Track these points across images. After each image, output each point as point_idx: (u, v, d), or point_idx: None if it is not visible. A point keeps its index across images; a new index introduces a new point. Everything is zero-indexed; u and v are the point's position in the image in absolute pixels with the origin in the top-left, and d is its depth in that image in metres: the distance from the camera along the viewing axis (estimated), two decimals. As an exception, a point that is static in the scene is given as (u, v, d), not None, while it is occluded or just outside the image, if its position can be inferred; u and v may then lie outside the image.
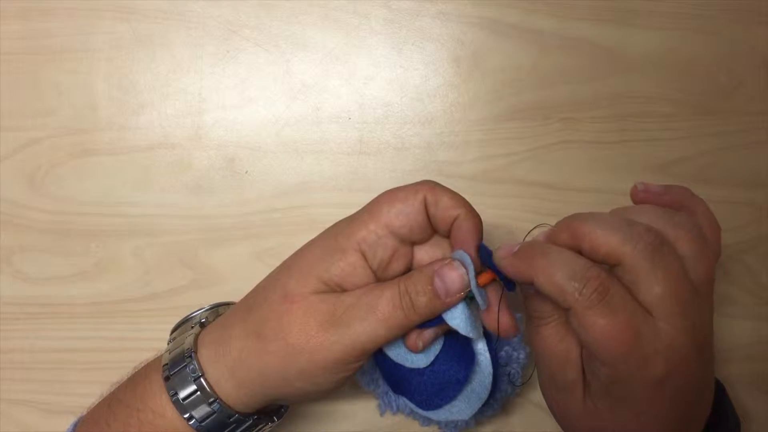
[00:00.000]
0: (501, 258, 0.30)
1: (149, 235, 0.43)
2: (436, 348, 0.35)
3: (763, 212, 0.44)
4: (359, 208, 0.32)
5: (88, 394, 0.42)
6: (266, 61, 0.44)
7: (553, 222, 0.43)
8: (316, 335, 0.30)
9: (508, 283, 0.30)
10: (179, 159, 0.44)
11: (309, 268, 0.31)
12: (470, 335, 0.31)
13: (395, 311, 0.30)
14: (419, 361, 0.35)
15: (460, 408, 0.36)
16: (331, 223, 0.44)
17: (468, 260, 0.30)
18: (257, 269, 0.43)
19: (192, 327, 0.34)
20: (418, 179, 0.43)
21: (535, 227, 0.34)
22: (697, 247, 0.28)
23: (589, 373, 0.29)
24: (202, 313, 0.37)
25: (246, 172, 0.44)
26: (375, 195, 0.43)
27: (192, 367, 0.31)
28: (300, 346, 0.30)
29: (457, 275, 0.30)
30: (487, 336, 0.36)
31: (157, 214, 0.43)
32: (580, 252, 0.28)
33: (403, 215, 0.31)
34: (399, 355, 0.34)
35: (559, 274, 0.28)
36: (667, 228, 0.28)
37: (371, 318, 0.30)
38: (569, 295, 0.27)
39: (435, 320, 0.32)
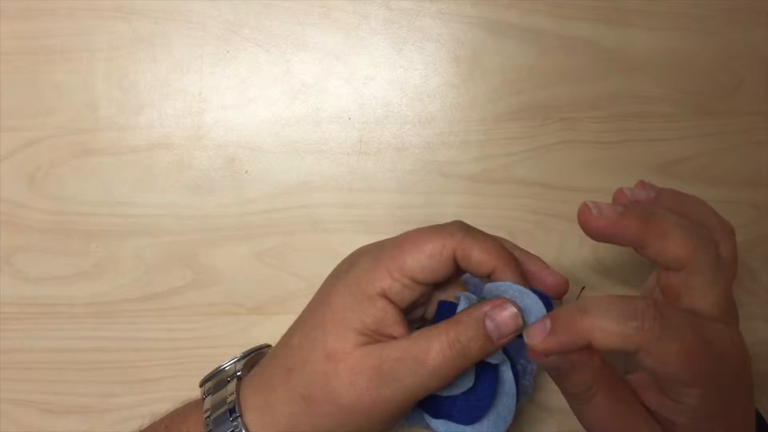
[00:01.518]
0: (538, 342, 0.28)
1: (149, 235, 0.43)
2: (470, 369, 0.35)
3: (763, 212, 0.44)
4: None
5: (88, 394, 0.43)
6: (266, 61, 0.44)
7: (553, 222, 0.43)
8: (368, 393, 0.29)
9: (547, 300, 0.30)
10: (179, 159, 0.44)
11: (342, 320, 0.30)
12: (497, 360, 0.32)
13: (446, 362, 0.29)
14: (457, 389, 0.34)
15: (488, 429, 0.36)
16: (331, 224, 0.44)
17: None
18: (257, 269, 0.43)
19: (228, 380, 0.33)
20: (418, 179, 0.44)
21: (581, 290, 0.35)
22: (732, 248, 0.30)
23: (673, 413, 0.28)
24: (235, 363, 0.34)
25: (246, 172, 0.44)
26: (375, 195, 0.44)
27: (239, 430, 0.30)
28: (353, 406, 0.29)
29: (509, 315, 0.29)
30: (509, 357, 0.36)
31: (157, 214, 0.43)
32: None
33: (428, 271, 0.30)
34: (445, 389, 0.34)
35: (613, 323, 0.27)
36: (713, 231, 0.30)
37: (422, 371, 0.29)
38: (634, 336, 0.27)
39: None
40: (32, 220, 0.43)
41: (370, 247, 0.32)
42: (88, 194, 0.43)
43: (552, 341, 0.28)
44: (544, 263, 0.33)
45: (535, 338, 0.28)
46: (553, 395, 0.43)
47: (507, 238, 0.43)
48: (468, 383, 0.34)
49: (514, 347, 0.38)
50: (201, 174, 0.44)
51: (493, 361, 0.32)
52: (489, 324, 0.29)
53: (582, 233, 0.43)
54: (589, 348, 0.28)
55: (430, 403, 0.36)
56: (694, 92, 0.44)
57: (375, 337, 0.30)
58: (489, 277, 0.31)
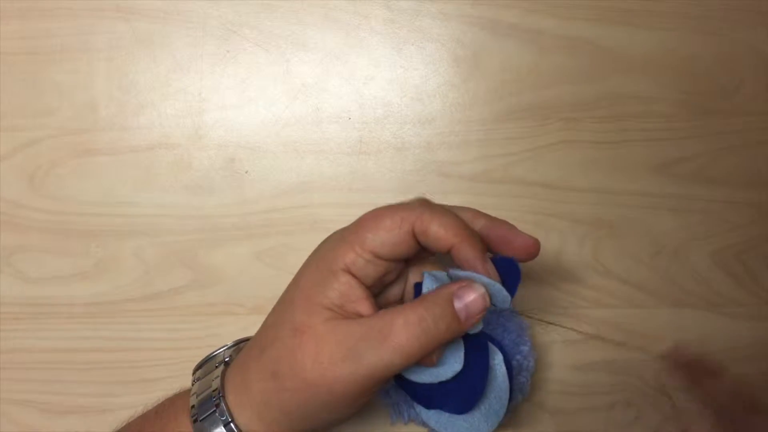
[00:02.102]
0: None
1: (149, 235, 0.43)
2: (457, 352, 0.35)
3: (763, 212, 0.44)
4: (353, 219, 0.32)
5: (88, 394, 0.43)
6: (266, 61, 0.44)
7: (553, 222, 0.43)
8: (331, 368, 0.29)
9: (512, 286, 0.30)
10: (179, 159, 0.44)
11: (309, 296, 0.30)
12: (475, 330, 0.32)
13: (411, 338, 0.28)
14: (446, 372, 0.34)
15: (479, 426, 0.36)
16: (331, 223, 0.44)
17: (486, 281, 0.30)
18: (257, 269, 0.43)
19: (216, 366, 0.33)
20: (418, 179, 0.44)
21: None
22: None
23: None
24: (225, 351, 0.35)
25: (246, 172, 0.44)
26: (375, 195, 0.44)
27: (221, 411, 0.30)
28: (316, 381, 0.29)
29: (477, 296, 0.29)
30: (503, 350, 0.36)
31: (157, 214, 0.43)
32: None
33: (389, 245, 0.30)
34: (422, 376, 0.34)
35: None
36: None
37: (385, 347, 0.28)
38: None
39: None
40: (32, 220, 0.43)
41: (339, 230, 0.33)
42: (88, 194, 0.43)
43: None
44: (512, 226, 0.33)
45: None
46: (551, 395, 0.43)
47: (507, 238, 0.43)
48: (456, 366, 0.34)
49: (509, 343, 0.38)
50: (201, 174, 0.44)
51: (472, 331, 0.32)
52: (457, 303, 0.29)
53: (582, 233, 0.44)
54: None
55: (424, 394, 0.36)
56: (694, 92, 0.44)
57: (341, 312, 0.30)
58: (454, 259, 0.31)
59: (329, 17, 0.44)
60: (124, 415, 0.34)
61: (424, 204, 0.31)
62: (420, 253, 0.32)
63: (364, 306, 0.30)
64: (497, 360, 0.36)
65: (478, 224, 0.32)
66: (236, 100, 0.44)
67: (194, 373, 0.35)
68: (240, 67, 0.44)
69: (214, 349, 0.35)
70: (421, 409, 0.36)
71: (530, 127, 0.44)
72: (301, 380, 0.29)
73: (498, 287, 0.31)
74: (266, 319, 0.32)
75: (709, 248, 0.44)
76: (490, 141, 0.44)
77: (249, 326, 0.43)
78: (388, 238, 0.30)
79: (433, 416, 0.36)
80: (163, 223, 0.43)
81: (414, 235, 0.30)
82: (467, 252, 0.30)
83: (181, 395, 0.33)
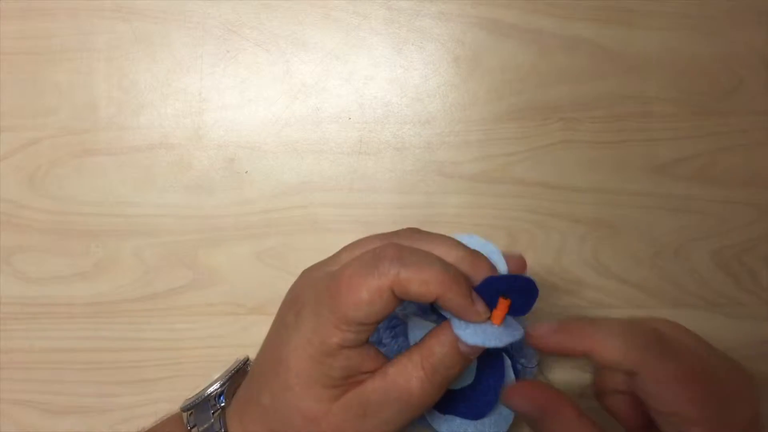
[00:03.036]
0: (542, 337, 0.29)
1: (149, 235, 0.43)
2: (472, 364, 0.35)
3: (763, 212, 0.44)
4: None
5: (88, 394, 0.43)
6: (266, 61, 0.44)
7: (553, 222, 0.43)
8: None
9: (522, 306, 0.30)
10: (179, 159, 0.44)
11: (310, 382, 0.29)
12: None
13: (429, 394, 0.28)
14: (455, 386, 0.35)
15: (490, 431, 0.36)
16: (331, 223, 0.44)
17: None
18: (257, 269, 0.43)
19: (212, 412, 0.32)
20: (418, 179, 0.44)
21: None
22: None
23: None
24: (218, 389, 0.34)
25: (246, 172, 0.44)
26: (375, 195, 0.44)
27: None
28: None
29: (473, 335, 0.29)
30: (508, 354, 0.36)
31: (157, 214, 0.43)
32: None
33: (374, 314, 0.28)
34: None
35: (615, 338, 0.27)
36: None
37: (407, 408, 0.28)
38: (633, 353, 0.27)
39: None
40: (32, 220, 0.43)
41: (309, 291, 0.30)
42: (88, 194, 0.43)
43: (551, 336, 0.29)
44: (486, 262, 0.31)
45: (538, 329, 0.29)
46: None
47: (507, 238, 0.43)
48: (468, 379, 0.34)
49: (515, 346, 0.38)
50: (201, 174, 0.44)
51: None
52: (462, 347, 0.29)
53: (582, 233, 0.44)
54: (567, 402, 0.29)
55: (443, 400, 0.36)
56: (694, 92, 0.44)
57: (348, 383, 0.29)
58: (442, 308, 0.29)
59: (329, 17, 0.44)
60: (124, 415, 0.34)
61: (397, 260, 0.28)
62: None
63: (371, 364, 0.29)
64: (507, 364, 0.36)
65: (452, 256, 0.30)
66: (236, 100, 0.44)
67: (185, 410, 0.34)
68: (240, 67, 0.44)
69: (205, 387, 0.34)
70: (432, 413, 0.36)
71: (530, 127, 0.44)
72: None
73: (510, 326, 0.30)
74: (261, 397, 0.30)
75: (709, 248, 0.44)
76: (490, 141, 0.44)
77: (249, 326, 0.43)
78: (370, 309, 0.28)
79: (444, 421, 0.36)
80: (163, 223, 0.43)
81: (395, 295, 0.28)
82: (453, 302, 0.28)
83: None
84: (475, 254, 0.30)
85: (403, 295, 0.28)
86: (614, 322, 0.29)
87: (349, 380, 0.29)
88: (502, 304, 0.29)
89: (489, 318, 0.29)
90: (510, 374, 0.36)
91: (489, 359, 0.34)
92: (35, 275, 0.43)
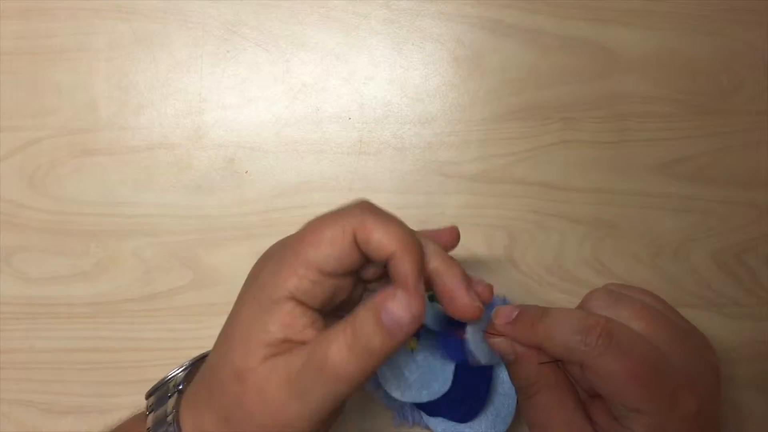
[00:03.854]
0: (500, 325, 0.30)
1: (149, 235, 0.43)
2: (444, 373, 0.35)
3: (763, 212, 0.44)
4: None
5: (88, 394, 0.43)
6: (266, 61, 0.44)
7: (553, 222, 0.43)
8: (279, 410, 0.27)
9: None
10: (179, 159, 0.44)
11: (247, 333, 0.27)
12: (486, 362, 0.31)
13: (349, 365, 0.26)
14: (431, 395, 0.35)
15: (486, 429, 0.36)
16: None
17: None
18: (257, 269, 0.43)
19: (169, 396, 0.31)
20: (419, 179, 0.44)
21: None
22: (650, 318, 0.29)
23: None
24: (178, 375, 0.32)
25: (246, 172, 0.44)
26: (375, 195, 0.44)
27: None
28: (269, 425, 0.27)
29: (402, 307, 0.26)
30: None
31: (157, 214, 0.43)
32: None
33: (333, 259, 0.27)
34: (406, 395, 0.35)
35: (559, 333, 0.28)
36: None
37: (325, 377, 0.26)
38: (576, 350, 0.27)
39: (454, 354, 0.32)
40: (32, 220, 0.43)
41: (276, 246, 0.30)
42: (88, 194, 0.43)
43: (509, 329, 0.29)
44: (463, 280, 0.29)
45: (499, 319, 0.30)
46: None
47: (507, 238, 0.43)
48: (443, 388, 0.34)
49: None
50: (201, 174, 0.44)
51: (483, 362, 0.32)
52: (385, 317, 0.26)
53: (582, 233, 0.44)
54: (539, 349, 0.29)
55: (425, 403, 0.36)
56: (694, 92, 0.44)
57: (285, 346, 0.27)
58: (390, 271, 0.28)
59: (329, 17, 0.44)
60: (124, 415, 0.34)
61: (366, 209, 0.28)
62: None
63: (310, 334, 0.28)
64: (503, 366, 0.36)
65: (432, 264, 0.29)
66: (236, 100, 0.44)
67: (148, 397, 0.33)
68: (240, 67, 0.44)
69: (168, 373, 0.33)
70: (424, 415, 0.37)
71: (530, 127, 0.44)
72: (255, 426, 0.27)
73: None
74: (210, 357, 0.30)
75: (709, 248, 0.44)
76: (490, 141, 0.44)
77: (249, 326, 0.43)
78: (331, 251, 0.27)
79: (439, 423, 0.36)
80: (163, 223, 0.43)
81: (357, 245, 0.27)
82: (405, 265, 0.27)
83: (137, 426, 0.31)
84: (451, 271, 0.29)
85: (364, 242, 0.27)
86: (563, 316, 0.29)
87: (284, 344, 0.27)
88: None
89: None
90: (510, 387, 0.36)
91: (473, 366, 0.35)
92: (35, 275, 0.43)
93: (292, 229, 0.43)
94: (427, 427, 0.39)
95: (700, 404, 0.28)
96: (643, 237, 0.44)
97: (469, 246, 0.43)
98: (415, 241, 0.28)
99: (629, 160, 0.44)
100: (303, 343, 0.27)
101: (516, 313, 0.30)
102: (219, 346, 0.29)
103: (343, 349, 0.26)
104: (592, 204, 0.44)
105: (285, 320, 0.27)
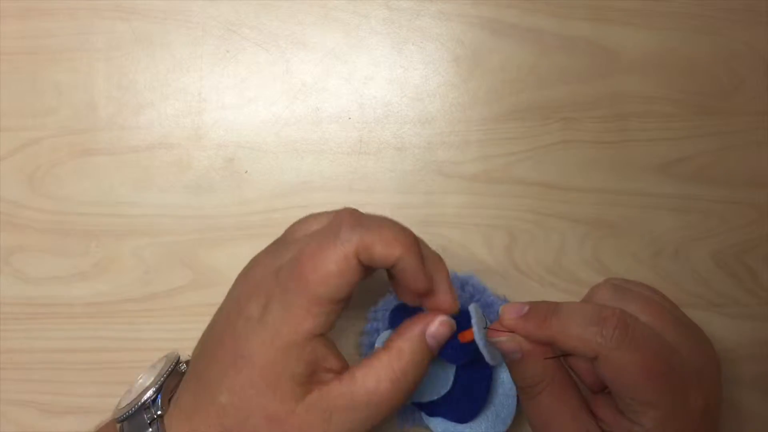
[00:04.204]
0: (510, 320, 0.29)
1: (149, 235, 0.43)
2: (445, 375, 0.35)
3: (763, 212, 0.44)
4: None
5: (88, 394, 0.43)
6: (266, 60, 0.44)
7: (553, 222, 0.43)
8: None
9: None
10: (179, 159, 0.44)
11: (275, 378, 0.27)
12: (492, 362, 0.31)
13: (398, 397, 0.28)
14: (431, 395, 0.35)
15: (486, 430, 0.36)
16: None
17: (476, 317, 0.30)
18: (257, 269, 0.43)
19: (149, 422, 0.30)
20: (418, 179, 0.44)
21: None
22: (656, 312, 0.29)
23: (622, 431, 0.28)
24: (152, 395, 0.31)
25: (246, 172, 0.44)
26: (375, 195, 0.44)
27: None
28: None
29: (446, 329, 0.29)
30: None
31: (157, 214, 0.43)
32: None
33: (344, 286, 0.27)
34: (418, 396, 0.35)
35: (574, 325, 0.28)
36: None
37: (374, 411, 0.28)
38: (592, 342, 0.27)
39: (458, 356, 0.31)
40: (32, 220, 0.43)
41: (271, 281, 0.29)
42: (88, 194, 0.43)
43: (520, 324, 0.29)
44: (440, 276, 0.30)
45: (509, 314, 0.29)
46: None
47: (507, 238, 0.43)
48: (443, 388, 0.35)
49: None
50: (201, 174, 0.44)
51: (492, 363, 0.32)
52: (430, 340, 0.28)
53: (582, 233, 0.44)
54: (549, 345, 0.29)
55: (425, 403, 0.36)
56: (694, 92, 0.44)
57: (312, 380, 0.28)
58: (395, 272, 0.29)
59: (329, 17, 0.44)
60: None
61: (356, 225, 0.28)
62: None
63: (334, 361, 0.29)
64: (502, 368, 0.36)
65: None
66: (236, 99, 0.44)
67: (120, 422, 0.31)
68: (240, 66, 0.44)
69: (138, 396, 0.32)
70: (424, 415, 0.37)
71: (530, 127, 0.44)
72: None
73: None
74: (218, 397, 0.28)
75: (709, 248, 0.44)
76: (490, 141, 0.44)
77: (249, 326, 0.43)
78: (340, 282, 0.27)
79: (439, 423, 0.36)
80: (163, 223, 0.43)
81: (361, 263, 0.28)
82: (411, 265, 0.28)
83: None
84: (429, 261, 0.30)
85: (368, 259, 0.27)
86: (578, 309, 0.29)
87: (313, 378, 0.28)
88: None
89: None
90: (507, 378, 0.36)
91: (478, 363, 0.35)
92: (35, 275, 0.43)
93: (292, 229, 0.43)
94: (427, 427, 0.39)
95: (707, 400, 0.28)
96: (643, 237, 0.44)
97: (469, 246, 0.43)
98: (412, 236, 0.28)
99: (629, 160, 0.44)
100: (329, 370, 0.28)
101: (527, 308, 0.29)
102: (236, 388, 0.28)
103: (393, 384, 0.27)
104: (592, 204, 0.44)
105: (309, 358, 0.28)
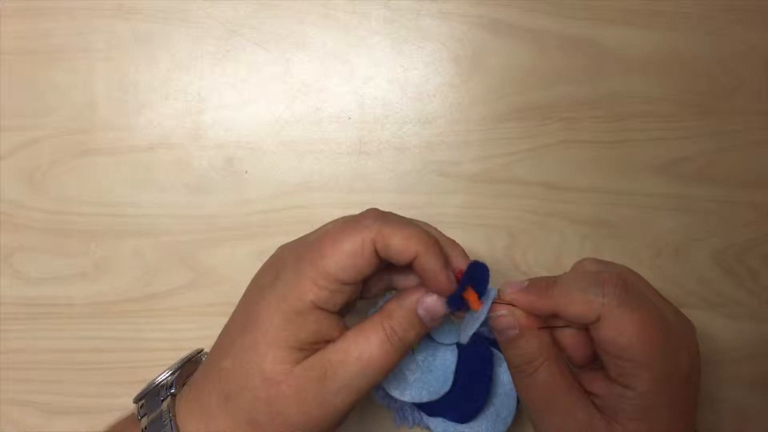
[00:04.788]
0: (511, 294, 0.30)
1: (149, 235, 0.43)
2: (448, 373, 0.35)
3: (763, 212, 0.44)
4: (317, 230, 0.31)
5: (88, 394, 0.43)
6: (266, 60, 0.44)
7: (553, 222, 0.43)
8: (317, 407, 0.28)
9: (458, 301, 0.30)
10: (179, 159, 0.44)
11: (277, 341, 0.28)
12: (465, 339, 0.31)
13: (389, 355, 0.29)
14: (431, 395, 0.35)
15: (486, 430, 0.36)
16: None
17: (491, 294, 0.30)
18: (257, 269, 0.43)
19: (161, 399, 0.31)
20: (418, 179, 0.44)
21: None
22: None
23: (615, 399, 0.28)
24: (168, 378, 0.33)
25: (246, 172, 0.44)
26: (375, 195, 0.44)
27: None
28: (303, 422, 0.28)
29: (439, 306, 0.30)
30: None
31: (157, 214, 0.43)
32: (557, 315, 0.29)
33: (353, 270, 0.28)
34: (413, 395, 0.35)
35: (576, 290, 0.28)
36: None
37: (367, 371, 0.29)
38: (595, 302, 0.28)
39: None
40: (32, 220, 0.43)
41: (289, 253, 0.31)
42: (88, 194, 0.43)
43: (522, 296, 0.29)
44: (460, 248, 0.32)
45: (510, 288, 0.30)
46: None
47: (507, 238, 0.43)
48: (443, 388, 0.35)
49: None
50: (201, 174, 0.44)
51: (446, 342, 0.32)
52: (421, 311, 0.29)
53: (582, 233, 0.44)
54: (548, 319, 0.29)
55: (425, 403, 0.36)
56: (694, 92, 0.44)
57: (314, 347, 0.29)
58: (416, 270, 0.29)
59: (329, 17, 0.44)
60: (123, 416, 0.34)
61: (379, 218, 0.29)
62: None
63: (336, 332, 0.30)
64: (503, 367, 0.36)
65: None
66: (236, 99, 0.44)
67: (137, 401, 0.32)
68: (240, 66, 0.44)
69: (156, 377, 0.33)
70: (424, 415, 0.37)
71: (530, 127, 0.44)
72: (286, 426, 0.28)
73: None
74: (222, 361, 0.30)
75: (709, 248, 0.44)
76: (490, 141, 0.44)
77: (249, 326, 0.43)
78: (351, 263, 0.28)
79: (439, 424, 0.36)
80: (163, 223, 0.43)
81: (376, 253, 0.29)
82: (430, 262, 0.28)
83: (128, 427, 0.31)
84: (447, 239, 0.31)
85: (384, 250, 0.28)
86: (577, 275, 0.30)
87: (315, 346, 0.29)
88: (472, 293, 0.30)
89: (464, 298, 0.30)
90: (508, 378, 0.36)
91: (477, 363, 0.35)
92: (35, 275, 0.43)
93: (292, 229, 0.43)
94: (427, 428, 0.39)
95: (692, 364, 0.29)
96: (643, 237, 0.44)
97: (469, 246, 0.43)
98: (433, 239, 0.29)
99: (629, 160, 0.44)
100: (331, 341, 0.29)
101: (527, 282, 0.30)
102: (237, 351, 0.29)
103: (383, 343, 0.29)
104: (592, 204, 0.44)
105: (313, 327, 0.29)
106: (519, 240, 0.43)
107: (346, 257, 0.28)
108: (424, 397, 0.35)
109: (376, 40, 0.44)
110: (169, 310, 0.43)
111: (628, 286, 0.28)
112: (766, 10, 0.45)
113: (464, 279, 0.30)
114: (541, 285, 0.30)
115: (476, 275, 0.30)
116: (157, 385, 0.32)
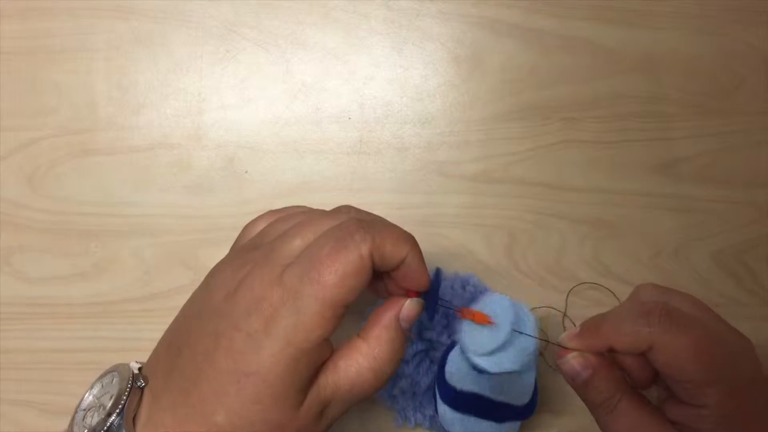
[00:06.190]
0: (569, 342, 0.31)
1: (149, 235, 0.43)
2: (530, 387, 0.36)
3: (763, 212, 0.44)
4: None
5: (88, 394, 0.43)
6: (266, 60, 0.44)
7: (553, 222, 0.43)
8: None
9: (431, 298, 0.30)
10: (179, 159, 0.44)
11: (283, 390, 0.27)
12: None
13: (377, 380, 0.29)
14: (521, 398, 0.35)
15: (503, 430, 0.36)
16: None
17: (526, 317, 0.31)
18: (257, 269, 0.43)
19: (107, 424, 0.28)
20: (418, 179, 0.44)
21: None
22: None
23: (693, 420, 0.29)
24: (115, 420, 0.29)
25: (246, 172, 0.44)
26: (375, 195, 0.44)
27: None
28: None
29: (416, 308, 0.30)
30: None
31: (157, 214, 0.43)
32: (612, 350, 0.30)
33: (359, 288, 0.27)
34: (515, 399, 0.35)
35: (624, 324, 0.29)
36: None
37: (357, 396, 0.29)
38: (642, 333, 0.28)
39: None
40: (32, 220, 0.43)
41: (272, 292, 0.27)
42: (88, 194, 0.43)
43: (579, 342, 0.30)
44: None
45: (567, 337, 0.31)
46: (555, 398, 0.43)
47: (507, 238, 0.43)
48: (526, 398, 0.36)
49: None
50: (201, 174, 0.44)
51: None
52: (404, 324, 0.29)
53: (582, 233, 0.44)
54: (610, 353, 0.30)
55: (466, 401, 0.36)
56: (694, 92, 0.44)
57: (312, 381, 0.28)
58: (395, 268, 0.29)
59: (329, 17, 0.44)
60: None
61: (362, 226, 0.28)
62: None
63: (328, 352, 0.29)
64: (529, 375, 0.36)
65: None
66: (236, 99, 0.44)
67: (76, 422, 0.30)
68: (240, 66, 0.44)
69: (101, 419, 0.29)
70: (446, 411, 0.36)
71: (530, 127, 0.44)
72: None
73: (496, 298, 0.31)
74: (214, 417, 0.27)
75: (709, 248, 0.44)
76: (490, 141, 0.44)
77: (249, 326, 0.43)
78: (355, 283, 0.27)
79: (457, 420, 0.36)
80: (163, 223, 0.43)
81: (372, 263, 0.28)
82: (415, 260, 0.28)
83: None
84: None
85: (380, 258, 0.27)
86: (623, 310, 0.30)
87: (312, 379, 0.28)
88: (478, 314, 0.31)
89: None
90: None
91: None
92: (35, 275, 0.43)
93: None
94: (429, 428, 0.39)
95: (754, 371, 0.29)
96: (643, 237, 0.44)
97: (469, 246, 0.43)
98: (412, 236, 0.29)
99: (629, 160, 0.44)
100: (323, 362, 0.29)
101: (578, 329, 0.31)
102: (235, 406, 0.27)
103: (370, 370, 0.29)
104: (592, 204, 0.44)
105: (315, 359, 0.28)
106: (519, 240, 0.43)
107: (351, 280, 0.27)
108: (516, 401, 0.35)
109: (376, 40, 0.44)
110: (169, 310, 0.43)
111: (671, 311, 0.29)
112: (766, 10, 0.45)
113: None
114: (591, 326, 0.30)
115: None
116: (108, 427, 0.28)
